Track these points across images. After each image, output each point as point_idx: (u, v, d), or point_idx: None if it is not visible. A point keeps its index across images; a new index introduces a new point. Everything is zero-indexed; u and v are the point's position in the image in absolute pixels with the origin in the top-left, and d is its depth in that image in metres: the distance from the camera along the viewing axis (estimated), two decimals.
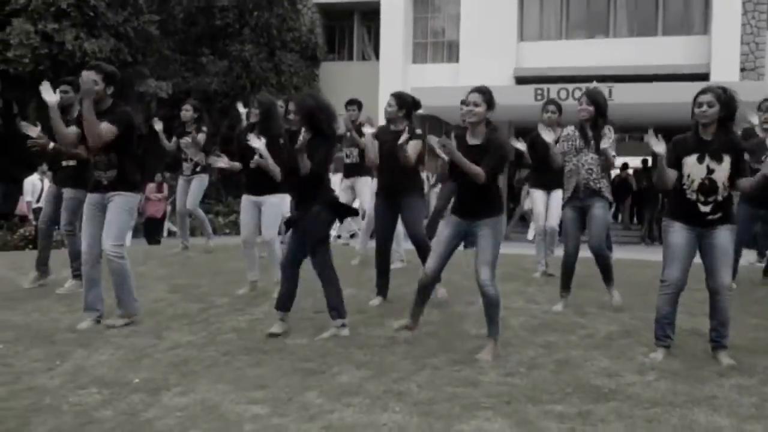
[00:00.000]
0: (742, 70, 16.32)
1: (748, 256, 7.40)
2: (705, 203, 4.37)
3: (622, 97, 13.02)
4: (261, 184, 5.94)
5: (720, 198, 4.37)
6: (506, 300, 5.11)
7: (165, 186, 15.50)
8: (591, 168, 5.70)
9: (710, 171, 4.35)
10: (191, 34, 19.08)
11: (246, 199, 6.19)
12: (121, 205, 5.18)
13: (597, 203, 5.73)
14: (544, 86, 14.44)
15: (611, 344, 4.75)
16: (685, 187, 4.41)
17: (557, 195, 6.84)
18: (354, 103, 7.94)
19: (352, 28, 21.02)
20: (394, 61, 18.49)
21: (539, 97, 14.07)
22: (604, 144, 5.52)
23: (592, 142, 5.66)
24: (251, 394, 3.82)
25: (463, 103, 5.06)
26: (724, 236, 4.41)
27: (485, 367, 4.30)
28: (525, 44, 17.99)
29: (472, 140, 4.64)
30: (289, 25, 19.39)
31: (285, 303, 5.06)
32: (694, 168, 4.37)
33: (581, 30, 18.36)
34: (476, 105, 4.57)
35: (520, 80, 17.34)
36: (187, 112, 8.14)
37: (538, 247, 7.35)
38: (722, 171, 4.35)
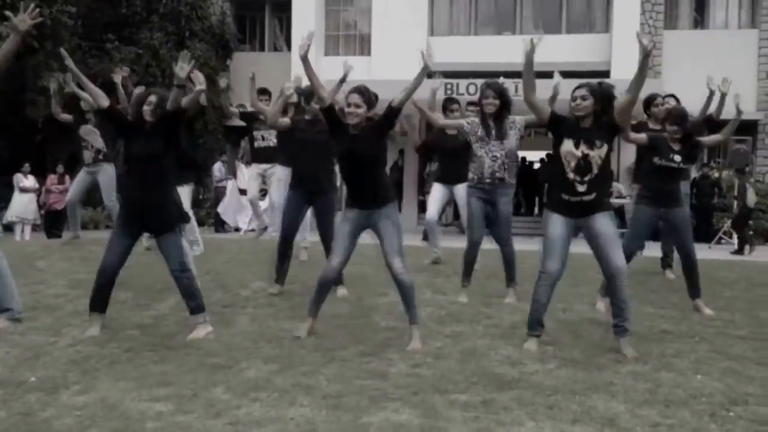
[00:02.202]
0: None
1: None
2: (581, 183, 4.51)
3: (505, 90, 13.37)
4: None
5: (594, 177, 4.51)
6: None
7: (67, 177, 14.91)
8: (495, 155, 5.83)
9: (584, 155, 4.51)
10: (97, 21, 18.37)
11: None
12: None
13: (503, 196, 5.86)
14: (453, 81, 14.65)
15: (515, 333, 4.87)
16: (564, 167, 4.56)
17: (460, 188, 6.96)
18: (265, 93, 7.82)
19: (264, 19, 20.73)
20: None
21: (448, 92, 14.26)
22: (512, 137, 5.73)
23: (494, 131, 5.80)
24: (154, 391, 3.72)
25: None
26: (603, 221, 4.54)
27: (393, 358, 4.34)
28: (435, 39, 18.19)
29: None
30: (198, 14, 18.94)
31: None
32: (570, 151, 4.53)
33: (489, 26, 18.72)
34: (357, 106, 4.59)
35: (431, 74, 17.53)
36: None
37: (431, 235, 7.64)
38: (596, 154, 4.51)
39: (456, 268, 6.44)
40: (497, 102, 5.77)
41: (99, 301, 4.84)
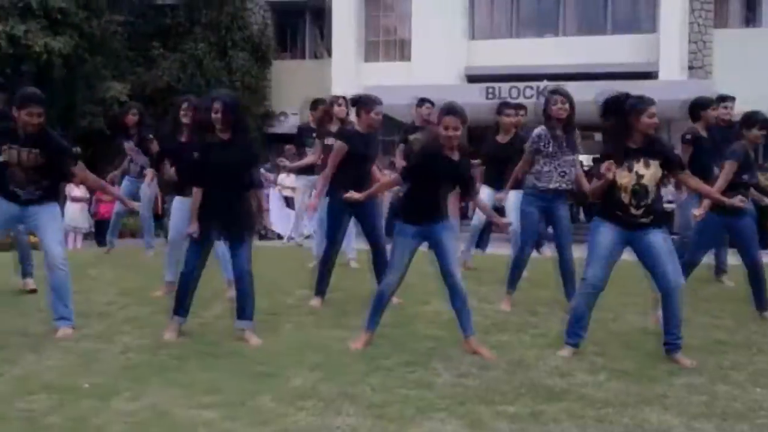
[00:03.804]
0: (690, 68, 16.69)
1: None
2: (637, 207, 4.45)
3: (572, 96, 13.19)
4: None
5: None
6: None
7: (117, 187, 15.20)
8: (564, 171, 5.72)
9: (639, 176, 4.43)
10: (142, 31, 18.78)
11: (179, 201, 6.07)
12: None
13: (561, 203, 5.80)
14: (495, 85, 14.56)
15: (563, 344, 4.79)
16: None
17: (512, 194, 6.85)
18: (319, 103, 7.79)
19: (304, 26, 20.89)
20: (347, 60, 18.42)
21: (490, 96, 14.18)
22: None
23: (565, 144, 5.67)
24: (203, 398, 3.75)
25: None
26: (658, 236, 4.46)
27: (438, 368, 4.30)
28: (476, 42, 18.10)
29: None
30: (239, 24, 19.20)
31: None
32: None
33: (531, 28, 18.55)
34: (456, 129, 4.51)
35: (471, 79, 17.44)
36: (133, 116, 8.03)
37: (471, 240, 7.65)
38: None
39: (500, 277, 6.37)
40: (567, 107, 5.61)
41: (180, 307, 4.96)
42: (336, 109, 6.76)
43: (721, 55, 16.45)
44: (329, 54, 19.42)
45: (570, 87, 12.91)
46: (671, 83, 15.18)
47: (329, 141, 6.46)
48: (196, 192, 4.88)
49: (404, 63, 18.49)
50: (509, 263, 6.10)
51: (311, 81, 17.93)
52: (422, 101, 8.08)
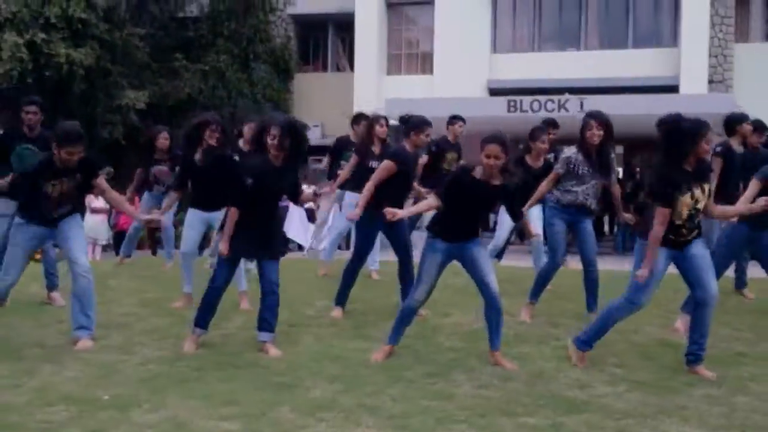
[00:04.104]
0: (711, 82, 16.57)
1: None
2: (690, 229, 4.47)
3: (593, 109, 13.15)
4: (213, 199, 5.89)
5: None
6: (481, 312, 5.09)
7: (137, 199, 15.33)
8: (589, 193, 5.73)
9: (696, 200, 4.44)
10: (165, 43, 19.00)
11: (193, 214, 6.15)
12: None
13: (587, 217, 5.80)
14: (517, 98, 14.54)
15: (584, 356, 4.75)
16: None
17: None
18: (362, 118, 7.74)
19: (327, 39, 21.03)
20: (369, 73, 18.51)
21: (512, 109, 14.16)
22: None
23: (597, 167, 5.66)
24: (222, 410, 3.77)
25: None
26: (700, 245, 4.49)
27: (459, 380, 4.30)
28: (498, 56, 18.11)
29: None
30: (262, 36, 19.34)
31: None
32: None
33: (553, 42, 18.54)
34: (497, 158, 4.49)
35: (494, 92, 17.45)
36: (165, 140, 8.13)
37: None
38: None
39: (522, 288, 6.34)
40: (601, 133, 5.59)
41: (203, 320, 5.01)
42: (378, 129, 6.71)
43: (741, 70, 16.32)
44: (352, 67, 19.53)
45: (592, 100, 12.98)
46: (692, 97, 15.04)
47: (373, 164, 6.38)
48: (234, 212, 4.90)
49: (426, 76, 18.53)
50: (536, 274, 6.08)
51: (334, 94, 18.04)
52: (454, 118, 8.10)
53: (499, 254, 8.78)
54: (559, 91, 14.58)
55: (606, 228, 17.29)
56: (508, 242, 8.65)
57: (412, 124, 5.83)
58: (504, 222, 7.47)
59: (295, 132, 4.88)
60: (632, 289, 4.50)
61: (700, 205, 4.40)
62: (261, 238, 4.96)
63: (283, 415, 3.71)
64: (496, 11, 18.39)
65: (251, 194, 4.87)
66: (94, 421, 3.66)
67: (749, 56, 16.36)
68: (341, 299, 6.02)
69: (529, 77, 16.92)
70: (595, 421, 3.61)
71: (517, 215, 4.82)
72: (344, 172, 7.17)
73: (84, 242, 5.34)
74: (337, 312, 5.98)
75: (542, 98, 14.26)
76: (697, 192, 4.36)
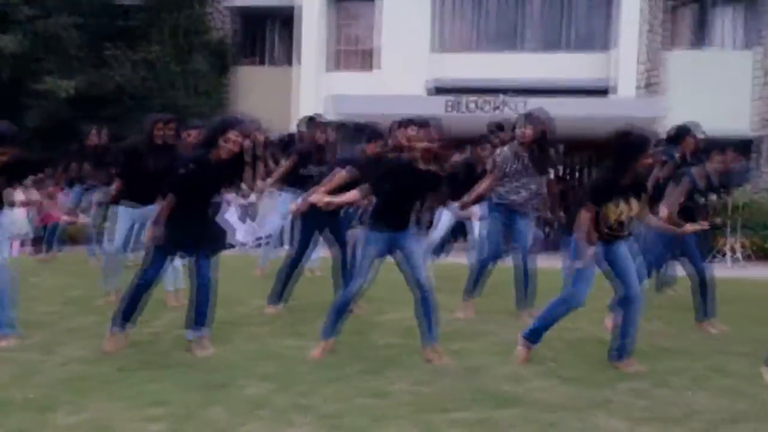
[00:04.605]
0: (644, 86, 17.02)
1: None
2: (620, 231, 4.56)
3: (532, 109, 13.32)
4: (149, 193, 5.73)
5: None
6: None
7: (59, 193, 14.85)
8: (528, 188, 5.80)
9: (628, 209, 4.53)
10: (97, 32, 18.42)
11: (125, 209, 6.00)
12: None
13: (522, 217, 5.85)
14: (458, 97, 14.64)
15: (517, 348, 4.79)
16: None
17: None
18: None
19: (269, 34, 20.75)
20: (312, 68, 18.34)
21: (452, 109, 14.24)
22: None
23: (531, 165, 5.75)
24: (149, 411, 3.64)
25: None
26: (626, 246, 4.60)
27: (394, 377, 4.27)
28: (439, 55, 18.19)
29: None
30: (200, 28, 18.97)
31: None
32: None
33: (493, 43, 18.74)
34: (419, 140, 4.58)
35: (435, 90, 17.53)
36: (94, 137, 7.91)
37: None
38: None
39: (459, 285, 6.37)
40: (530, 132, 5.68)
41: (127, 316, 4.84)
42: (318, 135, 6.73)
43: (673, 75, 16.81)
44: (293, 61, 19.33)
45: (533, 102, 13.10)
46: (626, 101, 15.44)
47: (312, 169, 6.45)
48: (170, 198, 4.76)
49: (368, 73, 18.49)
50: (471, 271, 6.11)
51: (276, 88, 17.82)
52: (409, 122, 8.06)
53: (438, 251, 8.83)
54: (498, 91, 14.75)
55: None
56: (449, 240, 8.69)
57: (368, 136, 5.78)
58: (442, 220, 7.51)
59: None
60: (571, 284, 4.58)
61: (626, 217, 4.50)
62: (196, 232, 4.84)
63: (214, 415, 3.61)
64: (438, 10, 18.49)
65: (185, 184, 4.75)
66: (13, 423, 3.49)
67: (679, 62, 16.85)
68: (277, 297, 5.94)
69: (470, 77, 17.06)
70: (528, 415, 3.64)
71: (443, 200, 4.83)
72: (278, 171, 7.12)
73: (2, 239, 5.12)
74: (272, 309, 5.90)
75: (481, 98, 14.40)
76: (623, 206, 4.46)
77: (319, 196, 4.70)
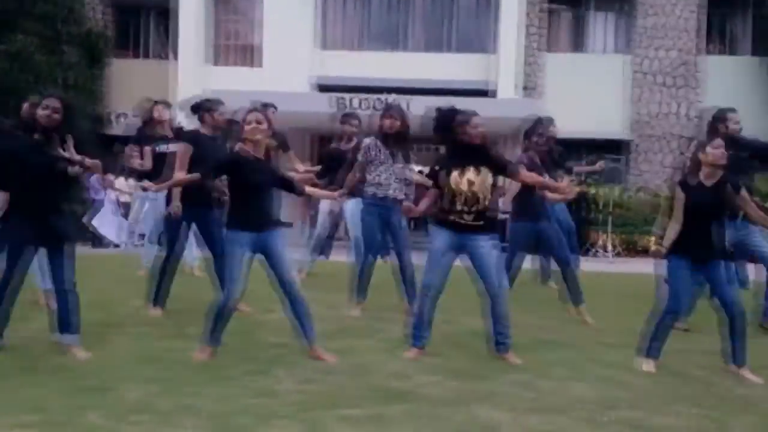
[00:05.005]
0: (524, 88, 17.67)
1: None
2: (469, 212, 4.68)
3: (418, 110, 13.52)
4: None
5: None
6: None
7: None
8: (399, 179, 5.94)
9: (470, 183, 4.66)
10: None
11: None
12: None
13: (398, 212, 5.92)
14: (344, 95, 14.70)
15: (405, 347, 4.88)
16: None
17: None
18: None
19: (147, 26, 20.08)
20: (192, 62, 17.87)
21: (340, 106, 14.28)
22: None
23: (397, 153, 5.90)
24: (23, 417, 3.46)
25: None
26: (486, 243, 4.72)
27: (282, 376, 4.26)
28: (325, 53, 18.17)
29: None
30: (71, 18, 18.09)
31: None
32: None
33: (380, 42, 18.91)
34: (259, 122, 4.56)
35: (322, 88, 17.51)
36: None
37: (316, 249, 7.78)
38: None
39: (343, 283, 6.42)
40: (397, 123, 5.85)
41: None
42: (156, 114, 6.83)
43: (552, 77, 17.55)
44: (175, 55, 18.79)
45: (417, 101, 13.34)
46: (507, 102, 15.98)
47: (161, 148, 6.35)
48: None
49: (254, 69, 18.23)
50: (355, 272, 6.16)
51: (154, 82, 17.24)
52: (264, 105, 8.09)
53: (325, 251, 8.85)
54: (384, 90, 14.91)
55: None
56: (331, 238, 8.73)
57: (204, 107, 5.82)
58: (323, 218, 7.55)
59: (66, 109, 4.54)
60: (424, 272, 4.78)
61: (478, 189, 4.63)
62: (38, 226, 4.51)
63: (93, 420, 3.49)
64: (321, 8, 18.46)
65: (14, 170, 4.48)
66: None
67: (558, 65, 17.61)
68: (158, 297, 5.78)
69: (357, 75, 17.15)
70: (414, 410, 3.71)
71: (296, 191, 4.83)
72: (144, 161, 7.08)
73: None
74: (154, 311, 5.74)
75: (370, 97, 14.52)
76: (471, 175, 4.63)
77: (150, 185, 4.64)
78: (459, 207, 4.65)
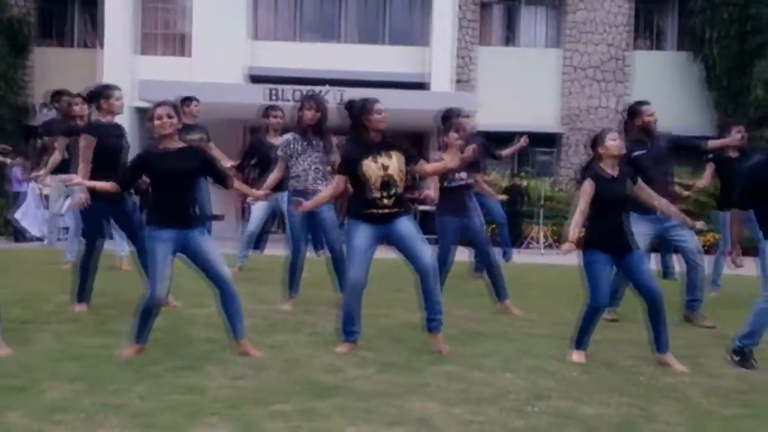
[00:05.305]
0: (457, 81, 17.84)
1: None
2: (388, 197, 4.69)
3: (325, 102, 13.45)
4: None
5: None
6: None
7: None
8: (318, 169, 5.86)
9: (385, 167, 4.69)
10: None
11: None
12: None
13: (325, 204, 5.88)
14: (278, 87, 14.55)
15: (336, 341, 4.88)
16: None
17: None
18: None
19: (72, 14, 19.44)
20: (120, 51, 17.39)
21: (273, 98, 14.12)
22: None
23: (315, 143, 5.88)
24: None
25: None
26: (407, 224, 4.77)
27: (212, 372, 4.20)
28: (258, 43, 17.95)
29: None
30: None
31: None
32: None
33: (314, 33, 18.80)
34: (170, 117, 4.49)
35: (254, 79, 17.29)
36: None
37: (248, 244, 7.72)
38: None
39: (276, 277, 6.36)
40: (318, 114, 5.83)
41: None
42: (75, 109, 6.79)
43: (484, 71, 17.77)
44: (101, 44, 18.26)
45: (351, 93, 13.33)
46: (440, 95, 16.08)
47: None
48: None
49: (184, 58, 17.86)
50: (287, 266, 6.12)
51: (80, 71, 16.71)
52: (187, 99, 8.08)
53: (260, 245, 8.77)
54: (320, 82, 14.83)
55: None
56: (266, 231, 8.65)
57: (97, 94, 5.72)
58: (257, 211, 7.48)
59: None
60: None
61: (393, 173, 4.67)
62: None
63: (13, 420, 3.37)
64: None
65: None
66: None
67: (491, 58, 17.84)
68: (82, 293, 5.62)
69: (290, 66, 17.00)
70: (346, 404, 3.71)
71: (225, 182, 4.76)
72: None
73: None
74: (79, 307, 5.58)
75: (303, 88, 14.38)
76: (384, 160, 4.67)
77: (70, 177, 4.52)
78: (376, 194, 4.65)
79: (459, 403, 3.78)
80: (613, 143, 4.77)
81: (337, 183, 4.88)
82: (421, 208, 12.28)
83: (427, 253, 4.73)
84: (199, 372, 4.19)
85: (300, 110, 5.91)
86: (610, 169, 4.78)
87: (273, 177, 5.95)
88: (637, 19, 18.04)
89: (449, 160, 5.29)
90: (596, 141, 4.87)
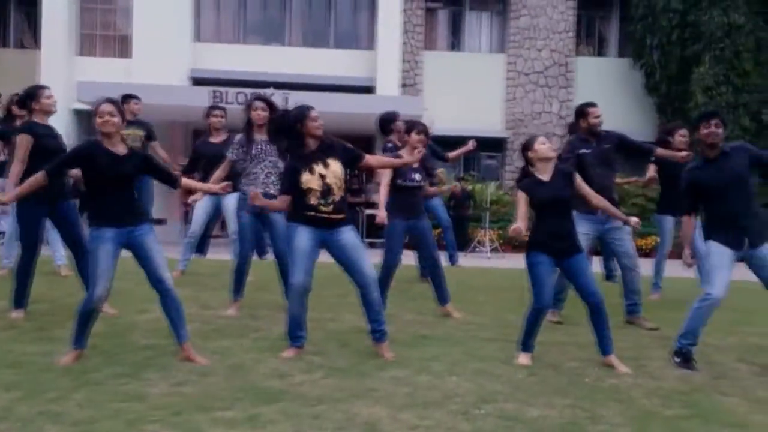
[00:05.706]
0: (403, 85, 17.90)
1: None
2: (326, 204, 4.66)
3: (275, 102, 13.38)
4: None
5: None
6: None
7: None
8: (270, 173, 5.80)
9: (322, 176, 4.66)
10: None
11: None
12: None
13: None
14: (222, 89, 14.37)
15: (282, 345, 4.82)
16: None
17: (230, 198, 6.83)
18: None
19: (8, 13, 18.86)
20: (57, 52, 16.94)
21: (217, 100, 13.95)
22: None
23: (268, 146, 5.80)
24: None
25: None
26: (350, 234, 4.74)
27: (154, 378, 4.11)
28: (201, 45, 17.71)
29: None
30: None
31: None
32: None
33: (258, 35, 18.63)
34: (111, 115, 4.40)
35: (197, 81, 17.05)
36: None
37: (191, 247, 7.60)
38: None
39: (222, 282, 6.27)
40: (266, 114, 5.76)
41: None
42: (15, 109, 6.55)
43: (430, 75, 17.87)
44: (37, 44, 17.76)
45: (295, 96, 13.26)
46: (386, 98, 16.10)
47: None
48: None
49: (124, 60, 17.49)
50: (233, 268, 6.03)
51: (17, 73, 16.22)
52: (128, 96, 8.04)
53: (203, 249, 8.65)
54: (264, 84, 14.70)
55: None
56: (209, 235, 8.53)
57: (27, 96, 5.64)
58: (198, 213, 7.36)
59: None
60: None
61: (331, 181, 4.65)
62: None
63: None
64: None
65: None
66: None
67: (436, 63, 17.95)
68: (19, 299, 5.43)
69: (233, 69, 16.83)
70: (291, 409, 3.67)
71: (173, 183, 4.68)
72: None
73: None
74: (16, 313, 5.40)
75: (248, 91, 14.24)
76: (321, 169, 4.64)
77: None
78: (314, 201, 4.62)
79: (406, 408, 3.77)
80: (542, 147, 4.85)
81: (282, 202, 4.76)
82: (368, 211, 12.33)
83: (368, 265, 4.71)
84: (140, 378, 4.09)
85: (248, 111, 5.85)
86: (543, 173, 4.86)
87: (218, 174, 5.85)
88: (580, 25, 18.39)
89: (408, 157, 5.28)
90: (526, 146, 4.94)
